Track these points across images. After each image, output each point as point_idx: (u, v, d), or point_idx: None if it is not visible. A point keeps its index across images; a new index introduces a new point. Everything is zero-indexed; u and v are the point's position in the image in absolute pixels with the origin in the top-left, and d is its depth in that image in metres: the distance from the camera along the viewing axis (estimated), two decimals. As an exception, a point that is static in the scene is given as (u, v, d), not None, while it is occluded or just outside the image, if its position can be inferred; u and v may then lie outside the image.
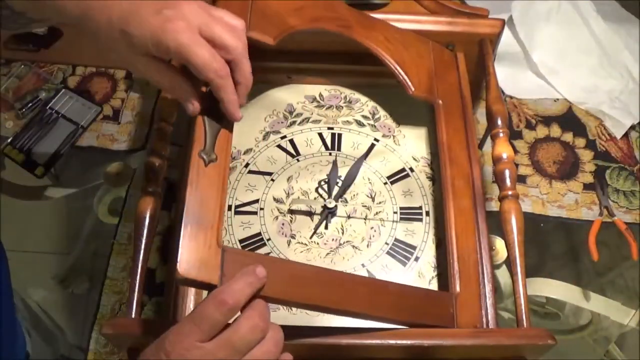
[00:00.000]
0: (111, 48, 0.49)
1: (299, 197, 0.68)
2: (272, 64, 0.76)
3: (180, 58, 0.47)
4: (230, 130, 0.55)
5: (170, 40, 0.46)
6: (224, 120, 0.54)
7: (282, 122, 0.74)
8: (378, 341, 0.53)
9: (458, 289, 0.58)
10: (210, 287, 0.45)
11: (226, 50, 0.49)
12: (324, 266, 0.63)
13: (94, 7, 0.48)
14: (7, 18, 0.53)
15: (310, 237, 0.65)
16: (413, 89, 0.68)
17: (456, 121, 0.69)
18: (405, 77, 0.68)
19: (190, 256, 0.45)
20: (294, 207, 0.67)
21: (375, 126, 0.74)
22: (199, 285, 0.46)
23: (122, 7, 0.47)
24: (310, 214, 0.67)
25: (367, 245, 0.65)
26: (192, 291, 0.60)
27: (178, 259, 0.44)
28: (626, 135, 0.88)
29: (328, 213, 0.66)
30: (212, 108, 0.53)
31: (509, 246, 0.59)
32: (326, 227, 0.66)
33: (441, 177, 0.65)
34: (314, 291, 0.50)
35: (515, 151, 0.84)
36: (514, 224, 0.60)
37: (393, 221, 0.66)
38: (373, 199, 0.68)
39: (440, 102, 0.69)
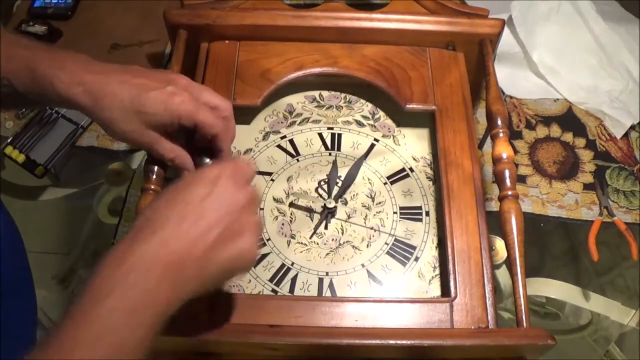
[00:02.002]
0: (124, 129, 0.56)
1: (300, 192, 0.68)
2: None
3: (191, 121, 0.56)
4: None
5: (181, 110, 0.55)
6: None
7: (282, 122, 0.74)
8: (378, 341, 0.53)
9: (458, 289, 0.58)
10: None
11: (220, 110, 0.58)
12: (324, 266, 0.63)
13: (105, 95, 0.55)
14: (7, 96, 0.56)
15: (310, 237, 0.65)
16: (405, 105, 0.70)
17: (456, 121, 0.69)
18: (396, 96, 0.70)
19: None
20: (293, 200, 0.67)
21: (375, 126, 0.74)
22: None
23: (131, 91, 0.55)
24: (310, 211, 0.67)
25: (367, 246, 0.65)
26: (192, 291, 0.60)
27: None
28: (626, 135, 0.88)
29: (328, 213, 0.66)
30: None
31: (509, 246, 0.59)
32: (326, 227, 0.66)
33: (441, 182, 0.65)
34: None
35: (515, 151, 0.84)
36: (514, 224, 0.60)
37: (393, 221, 0.66)
38: (373, 199, 0.68)
39: (435, 108, 0.69)
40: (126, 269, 0.41)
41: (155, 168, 0.62)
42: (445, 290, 0.61)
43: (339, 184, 0.68)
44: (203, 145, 0.60)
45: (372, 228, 0.66)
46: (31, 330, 0.67)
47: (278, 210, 0.67)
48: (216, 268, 0.46)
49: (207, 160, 0.61)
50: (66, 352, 0.38)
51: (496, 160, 0.64)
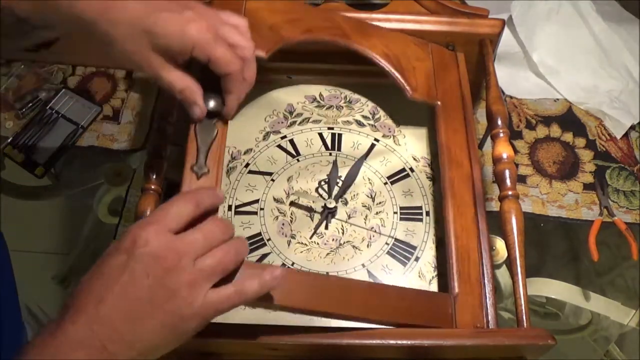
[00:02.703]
0: (127, 49, 0.51)
1: (300, 192, 0.68)
2: (272, 64, 0.75)
3: (203, 54, 0.52)
4: (223, 142, 0.58)
5: (196, 39, 0.50)
6: (215, 133, 0.56)
7: (282, 122, 0.74)
8: (378, 341, 0.53)
9: (458, 289, 0.58)
10: None
11: (240, 49, 0.54)
12: (324, 266, 0.63)
13: (112, 7, 0.49)
14: (8, 27, 0.53)
15: (310, 237, 0.65)
16: (411, 92, 0.68)
17: (456, 121, 0.69)
18: (403, 81, 0.68)
19: None
20: (293, 199, 0.67)
21: (375, 126, 0.74)
22: None
23: (142, 7, 0.50)
24: (310, 210, 0.67)
25: (367, 246, 0.65)
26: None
27: None
28: (626, 135, 0.88)
29: (328, 213, 0.66)
30: (204, 122, 0.58)
31: (509, 246, 0.59)
32: (326, 227, 0.66)
33: (441, 178, 0.65)
34: (319, 298, 0.51)
35: (515, 151, 0.84)
36: (514, 224, 0.60)
37: (393, 221, 0.66)
38: (373, 199, 0.68)
39: (440, 103, 0.69)
40: (51, 350, 0.40)
41: (155, 168, 0.62)
42: (445, 290, 0.61)
43: (339, 184, 0.68)
44: (211, 83, 0.55)
45: (372, 228, 0.66)
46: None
47: (278, 210, 0.67)
48: (150, 339, 0.42)
49: (212, 103, 0.56)
50: None
51: (496, 160, 0.64)
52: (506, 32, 0.79)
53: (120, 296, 0.42)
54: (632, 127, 0.88)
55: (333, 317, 0.54)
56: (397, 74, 0.69)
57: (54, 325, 0.41)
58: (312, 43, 0.68)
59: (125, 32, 0.50)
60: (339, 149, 0.72)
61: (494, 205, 0.76)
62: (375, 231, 0.65)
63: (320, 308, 0.50)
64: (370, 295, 0.54)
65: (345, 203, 0.68)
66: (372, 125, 0.74)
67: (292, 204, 0.67)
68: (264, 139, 0.72)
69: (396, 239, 0.65)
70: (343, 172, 0.69)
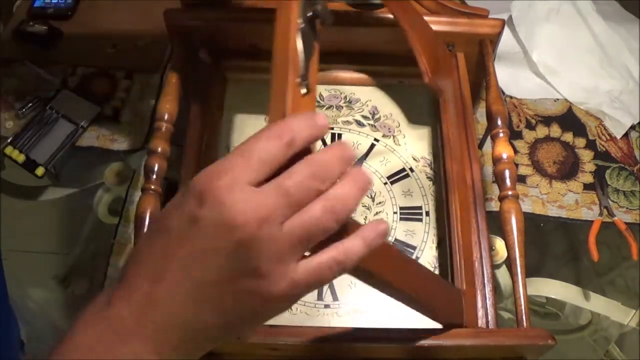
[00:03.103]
0: None
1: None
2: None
3: None
4: (317, 61, 0.47)
5: None
6: (314, 48, 0.46)
7: (282, 122, 0.74)
8: (378, 341, 0.53)
9: (465, 285, 0.58)
10: None
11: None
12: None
13: None
14: None
15: (310, 237, 0.65)
16: (430, 76, 0.66)
17: (456, 121, 0.69)
18: (426, 64, 0.67)
19: None
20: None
21: (375, 126, 0.74)
22: None
23: None
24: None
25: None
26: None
27: None
28: (626, 135, 0.88)
29: (328, 213, 0.66)
30: (305, 31, 0.46)
31: (509, 246, 0.59)
32: (326, 227, 0.66)
33: (443, 173, 0.64)
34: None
35: (515, 151, 0.84)
36: (514, 224, 0.60)
37: (393, 221, 0.66)
38: (373, 199, 0.68)
39: (446, 97, 0.69)
40: (95, 335, 0.34)
41: (155, 168, 0.62)
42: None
43: (339, 184, 0.68)
44: None
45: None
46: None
47: (278, 210, 0.67)
48: (217, 326, 0.34)
49: (319, 5, 0.46)
50: None
51: (496, 160, 0.64)
52: (506, 32, 0.79)
53: (180, 276, 0.33)
54: (632, 127, 0.88)
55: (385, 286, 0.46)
56: (422, 56, 0.65)
57: (92, 311, 0.35)
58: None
59: None
60: (339, 149, 0.72)
61: (494, 205, 0.76)
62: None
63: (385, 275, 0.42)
64: (397, 259, 0.47)
65: (345, 203, 0.67)
66: (372, 125, 0.74)
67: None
68: (264, 139, 0.72)
69: (396, 239, 0.65)
70: (343, 172, 0.69)
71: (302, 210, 0.32)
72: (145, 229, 0.38)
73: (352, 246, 0.34)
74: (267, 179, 0.33)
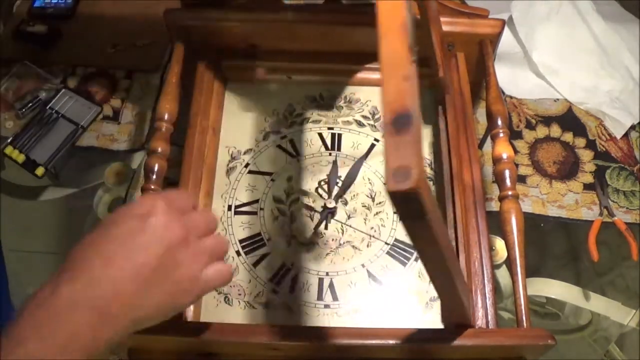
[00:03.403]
0: None
1: (301, 190, 0.68)
2: (272, 64, 0.76)
3: None
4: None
5: None
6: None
7: (282, 122, 0.74)
8: (378, 341, 0.53)
9: (471, 285, 0.58)
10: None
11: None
12: (324, 266, 0.63)
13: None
14: None
15: (310, 237, 0.65)
16: (442, 73, 0.67)
17: (456, 121, 0.69)
18: (441, 58, 0.67)
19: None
20: (295, 196, 0.67)
21: (375, 126, 0.74)
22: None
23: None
24: (310, 209, 0.67)
25: (367, 246, 0.65)
26: (192, 291, 0.60)
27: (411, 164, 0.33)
28: (626, 135, 0.88)
29: (328, 213, 0.66)
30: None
31: (509, 246, 0.59)
32: (326, 227, 0.66)
33: (451, 168, 0.64)
34: None
35: (515, 151, 0.84)
36: (514, 224, 0.60)
37: (393, 221, 0.66)
38: (373, 199, 0.68)
39: (451, 94, 0.69)
40: (47, 312, 0.39)
41: (155, 168, 0.62)
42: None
43: (339, 184, 0.68)
44: None
45: (370, 233, 0.66)
46: None
47: (278, 210, 0.67)
48: (151, 305, 0.43)
49: None
50: None
51: (496, 160, 0.64)
52: (506, 32, 0.79)
53: (130, 260, 0.42)
54: (632, 127, 0.88)
55: None
56: (439, 48, 0.66)
57: (48, 288, 0.40)
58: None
59: None
60: (339, 149, 0.72)
61: (494, 205, 0.76)
62: (372, 236, 0.65)
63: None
64: None
65: (345, 203, 0.68)
66: (372, 125, 0.74)
67: (293, 200, 0.67)
68: (264, 139, 0.72)
69: (396, 239, 0.65)
70: (343, 172, 0.69)
71: (212, 237, 0.48)
72: (96, 226, 0.45)
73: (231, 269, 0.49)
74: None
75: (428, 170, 0.70)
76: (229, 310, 0.61)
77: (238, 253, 0.64)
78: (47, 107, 0.86)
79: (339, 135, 0.73)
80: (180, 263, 0.44)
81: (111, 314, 0.41)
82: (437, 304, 0.61)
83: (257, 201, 0.67)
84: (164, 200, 0.45)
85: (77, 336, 0.39)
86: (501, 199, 0.62)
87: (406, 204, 0.34)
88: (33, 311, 0.39)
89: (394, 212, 0.67)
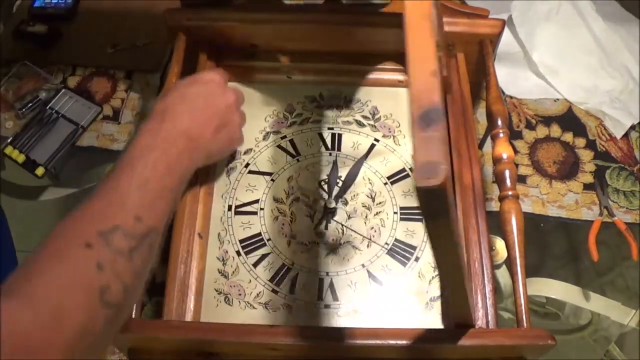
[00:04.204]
0: None
1: (302, 188, 0.68)
2: (272, 64, 0.76)
3: None
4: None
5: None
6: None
7: (282, 122, 0.74)
8: (378, 341, 0.53)
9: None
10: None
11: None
12: (324, 266, 0.63)
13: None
14: None
15: (310, 237, 0.65)
16: (445, 73, 0.67)
17: (456, 121, 0.69)
18: (444, 57, 0.67)
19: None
20: (296, 195, 0.67)
21: (375, 126, 0.74)
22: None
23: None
24: (311, 208, 0.67)
25: (367, 246, 0.65)
26: (192, 290, 0.60)
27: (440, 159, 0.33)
28: (626, 135, 0.88)
29: (328, 213, 0.66)
30: None
31: (509, 246, 0.59)
32: (326, 227, 0.66)
33: (451, 168, 0.64)
34: None
35: (515, 151, 0.84)
36: (514, 224, 0.60)
37: (393, 221, 0.66)
38: (373, 199, 0.68)
39: (450, 96, 0.69)
40: (162, 136, 0.55)
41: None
42: (445, 290, 0.61)
43: (339, 184, 0.68)
44: None
45: (370, 233, 0.66)
46: None
47: (278, 210, 0.67)
48: (216, 146, 0.62)
49: None
50: (123, 187, 0.49)
51: (496, 161, 0.64)
52: (506, 32, 0.79)
53: (205, 111, 0.60)
54: (632, 127, 0.88)
55: None
56: (441, 50, 0.67)
57: (155, 122, 0.56)
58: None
59: None
60: (339, 149, 0.72)
61: (494, 205, 0.76)
62: (370, 239, 0.65)
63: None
64: None
65: (345, 203, 0.68)
66: (372, 125, 0.74)
67: (293, 200, 0.67)
68: (264, 139, 0.72)
69: (396, 239, 0.65)
70: (343, 172, 0.69)
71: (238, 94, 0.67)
72: (170, 90, 0.62)
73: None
74: None
75: (428, 170, 0.70)
76: (229, 310, 0.61)
77: (238, 253, 0.64)
78: (47, 107, 0.86)
79: (339, 135, 0.73)
80: (233, 119, 0.64)
81: (199, 145, 0.58)
82: (437, 304, 0.61)
83: (257, 201, 0.67)
84: (220, 74, 0.64)
85: (178, 158, 0.55)
86: (501, 199, 0.62)
87: (432, 201, 0.34)
88: (150, 136, 0.55)
89: (394, 212, 0.67)
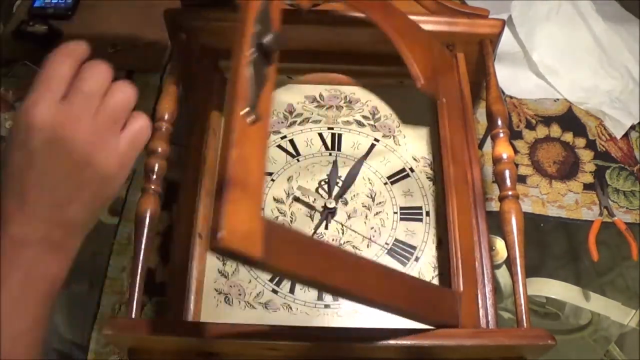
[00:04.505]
0: None
1: (303, 188, 0.68)
2: (272, 64, 0.75)
3: None
4: (272, 89, 0.50)
5: None
6: (267, 78, 0.50)
7: (282, 122, 0.74)
8: (378, 341, 0.53)
9: (463, 287, 0.58)
10: (251, 260, 0.39)
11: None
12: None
13: None
14: None
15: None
16: (422, 82, 0.66)
17: (456, 121, 0.69)
18: (417, 70, 0.67)
19: (233, 224, 0.37)
20: (297, 194, 0.67)
21: (375, 126, 0.74)
22: (239, 257, 0.39)
23: None
24: (311, 207, 0.67)
25: (367, 246, 0.65)
26: (192, 290, 0.60)
27: (220, 226, 0.37)
28: (626, 135, 0.88)
29: (328, 213, 0.66)
30: (256, 62, 0.49)
31: (509, 246, 0.59)
32: (326, 227, 0.66)
33: (443, 174, 0.64)
34: (337, 274, 0.46)
35: (515, 151, 0.84)
36: (514, 224, 0.60)
37: (393, 221, 0.66)
38: (373, 199, 0.68)
39: (444, 100, 0.69)
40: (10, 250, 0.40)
41: (155, 168, 0.62)
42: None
43: (339, 184, 0.68)
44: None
45: (370, 233, 0.66)
46: None
47: (278, 210, 0.67)
48: (87, 210, 0.44)
49: (269, 37, 0.52)
50: None
51: (496, 160, 0.64)
52: (506, 32, 0.79)
53: (40, 189, 0.41)
54: (632, 127, 0.88)
55: (342, 294, 0.50)
56: (412, 61, 0.66)
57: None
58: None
59: None
60: (339, 149, 0.72)
61: (494, 205, 0.76)
62: (370, 239, 0.65)
63: (332, 281, 0.46)
64: (385, 277, 0.51)
65: (345, 203, 0.68)
66: (372, 125, 0.74)
67: (295, 199, 0.67)
68: (264, 139, 0.72)
69: (396, 239, 0.65)
70: (343, 172, 0.69)
71: (104, 101, 0.44)
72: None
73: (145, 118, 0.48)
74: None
75: (428, 170, 0.70)
76: (229, 310, 0.61)
77: (238, 253, 0.64)
78: (47, 107, 0.86)
79: (339, 135, 0.73)
80: (89, 158, 0.42)
81: (55, 240, 0.42)
82: (437, 304, 0.61)
83: (257, 201, 0.67)
84: (40, 104, 0.41)
85: (40, 264, 0.41)
86: (501, 199, 0.62)
87: (229, 256, 0.38)
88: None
89: (394, 212, 0.67)
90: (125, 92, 0.46)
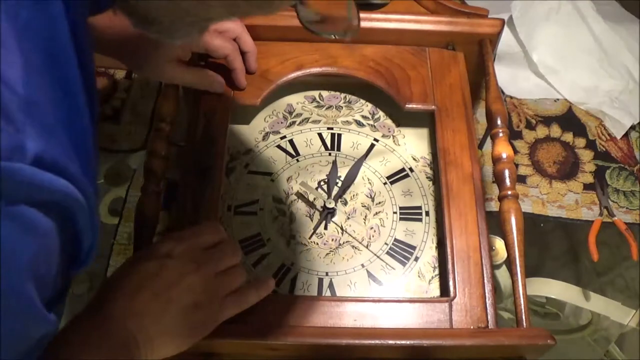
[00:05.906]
0: (147, 62, 0.62)
1: (305, 184, 0.68)
2: (272, 64, 0.76)
3: (202, 47, 0.64)
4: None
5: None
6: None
7: (282, 122, 0.74)
8: (378, 341, 0.53)
9: (457, 289, 0.58)
10: None
11: (230, 32, 0.66)
12: (324, 267, 0.63)
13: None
14: None
15: (310, 238, 0.65)
16: (404, 104, 0.69)
17: (456, 121, 0.69)
18: (397, 95, 0.69)
19: None
20: (299, 190, 0.67)
21: (375, 126, 0.74)
22: None
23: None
24: (311, 206, 0.67)
25: (367, 246, 0.65)
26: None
27: None
28: (626, 135, 0.88)
29: (327, 213, 0.66)
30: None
31: (509, 246, 0.59)
32: (326, 227, 0.66)
33: (440, 182, 0.65)
34: None
35: (515, 151, 0.84)
36: (513, 224, 0.60)
37: (393, 221, 0.66)
38: (373, 199, 0.68)
39: (436, 108, 0.69)
40: (92, 342, 0.45)
41: (155, 168, 0.62)
42: (444, 290, 0.61)
43: (339, 184, 0.68)
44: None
45: (370, 233, 0.66)
46: None
47: (278, 210, 0.67)
48: (171, 337, 0.49)
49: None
50: None
51: (496, 160, 0.64)
52: (506, 32, 0.79)
53: (151, 296, 0.48)
54: (632, 127, 0.88)
55: None
56: (389, 90, 0.70)
57: (89, 315, 0.47)
58: (302, 77, 0.72)
59: (145, 52, 0.62)
60: (339, 149, 0.72)
61: (494, 205, 0.76)
62: (370, 239, 0.65)
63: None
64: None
65: (345, 203, 0.68)
66: (371, 125, 0.74)
67: (293, 201, 0.67)
68: (264, 139, 0.72)
69: (396, 239, 0.65)
70: (343, 172, 0.69)
71: (225, 270, 0.53)
72: (119, 269, 0.50)
73: (250, 293, 0.54)
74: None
75: (428, 170, 0.70)
76: (228, 310, 0.61)
77: (238, 253, 0.64)
78: (47, 107, 0.86)
79: (339, 135, 0.73)
80: (198, 298, 0.50)
81: (137, 343, 0.46)
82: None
83: (257, 201, 0.67)
84: (182, 244, 0.51)
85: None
86: (501, 198, 0.62)
87: None
88: (83, 335, 0.45)
89: (394, 212, 0.67)
90: (243, 276, 0.55)
